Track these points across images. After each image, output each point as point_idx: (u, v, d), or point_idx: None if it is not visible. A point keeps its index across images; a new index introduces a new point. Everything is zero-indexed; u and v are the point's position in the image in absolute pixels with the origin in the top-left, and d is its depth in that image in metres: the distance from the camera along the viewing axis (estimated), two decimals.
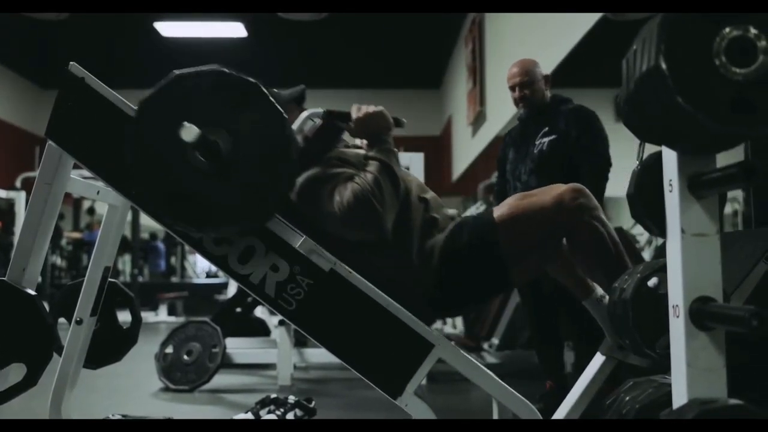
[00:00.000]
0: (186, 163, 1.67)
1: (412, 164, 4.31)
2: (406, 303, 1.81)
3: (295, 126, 1.98)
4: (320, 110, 2.02)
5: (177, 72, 1.71)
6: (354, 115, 2.00)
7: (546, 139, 3.27)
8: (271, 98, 1.69)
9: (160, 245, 13.42)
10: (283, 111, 1.69)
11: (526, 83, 3.34)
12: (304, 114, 2.03)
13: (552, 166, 3.23)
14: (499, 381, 1.82)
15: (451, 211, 2.10)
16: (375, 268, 1.89)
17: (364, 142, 2.08)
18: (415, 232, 1.97)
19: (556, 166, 3.22)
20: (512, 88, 3.40)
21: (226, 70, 1.71)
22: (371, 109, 2.00)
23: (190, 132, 1.61)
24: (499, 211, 1.96)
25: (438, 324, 6.41)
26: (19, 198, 8.24)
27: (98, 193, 2.25)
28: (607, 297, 1.86)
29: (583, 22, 4.85)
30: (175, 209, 1.71)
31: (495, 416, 2.16)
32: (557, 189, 1.93)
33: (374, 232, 1.88)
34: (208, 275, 14.30)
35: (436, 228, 2.00)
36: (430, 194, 2.09)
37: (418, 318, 1.79)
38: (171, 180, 1.69)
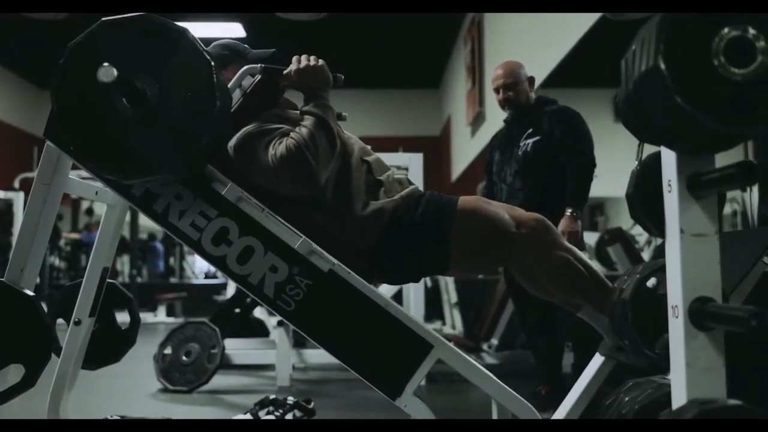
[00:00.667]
0: (111, 109, 1.66)
1: (411, 164, 4.30)
2: (345, 260, 1.81)
3: (232, 81, 1.98)
4: (257, 66, 2.02)
5: (105, 18, 1.70)
6: (294, 66, 2.00)
7: (530, 141, 3.28)
8: (199, 45, 1.68)
9: (159, 246, 13.43)
10: (210, 59, 1.68)
11: (509, 85, 3.36)
12: (242, 69, 2.02)
13: (536, 167, 3.25)
14: (499, 381, 1.82)
15: (399, 175, 2.11)
16: (316, 225, 1.91)
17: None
18: (357, 191, 1.98)
19: (541, 167, 3.25)
20: (496, 90, 3.42)
21: (155, 17, 1.70)
22: (312, 61, 2.00)
23: (108, 73, 1.58)
24: (465, 202, 1.99)
25: (437, 324, 6.43)
26: (18, 198, 8.25)
27: (96, 193, 2.25)
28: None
29: (582, 22, 4.85)
30: (101, 156, 1.69)
31: (494, 417, 2.16)
32: (524, 217, 1.97)
33: (307, 187, 1.88)
34: (207, 276, 14.30)
35: (380, 190, 2.01)
36: (372, 157, 2.10)
37: (359, 275, 1.79)
38: (97, 126, 1.68)
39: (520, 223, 1.95)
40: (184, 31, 1.69)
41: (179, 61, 1.68)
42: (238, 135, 1.92)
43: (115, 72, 1.59)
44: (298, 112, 2.04)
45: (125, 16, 1.71)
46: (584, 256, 2.01)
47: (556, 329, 3.31)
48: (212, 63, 1.68)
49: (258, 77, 2.04)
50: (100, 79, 1.58)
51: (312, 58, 2.02)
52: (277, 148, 1.85)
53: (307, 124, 1.91)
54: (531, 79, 3.44)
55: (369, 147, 2.15)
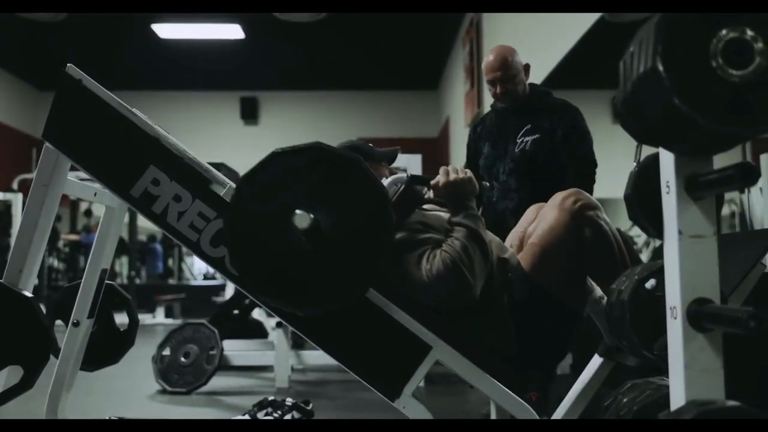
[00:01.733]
0: (287, 243, 1.63)
1: (410, 166, 4.31)
2: (491, 367, 1.80)
3: None
4: (404, 176, 2.02)
5: (275, 150, 1.66)
6: (442, 179, 1.99)
7: (529, 138, 3.12)
8: (370, 174, 1.65)
9: (158, 247, 13.42)
10: (383, 189, 1.66)
11: (507, 78, 3.11)
12: (388, 180, 2.02)
13: (534, 167, 3.10)
14: (497, 382, 1.82)
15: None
16: (459, 332, 1.88)
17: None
18: (497, 293, 1.97)
19: (538, 167, 3.10)
20: (492, 83, 3.16)
21: (325, 146, 1.65)
22: (460, 174, 1.99)
23: (303, 219, 1.59)
24: (524, 260, 1.98)
25: None
26: (17, 200, 8.24)
27: (95, 194, 2.25)
28: (606, 298, 1.87)
29: (581, 23, 4.86)
30: (273, 288, 1.66)
31: (493, 418, 2.16)
32: (555, 201, 1.96)
33: (463, 301, 1.87)
34: (206, 277, 14.30)
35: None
36: (508, 253, 2.08)
37: (506, 385, 1.79)
38: (270, 259, 1.65)
39: (564, 200, 1.95)
40: (357, 161, 1.65)
41: (352, 190, 1.64)
42: None
43: (310, 218, 1.59)
44: (437, 213, 2.05)
45: (296, 146, 1.66)
46: (618, 235, 2.00)
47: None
48: (385, 192, 1.66)
49: (402, 187, 2.03)
50: (296, 225, 1.59)
51: (459, 169, 2.01)
52: (432, 263, 1.84)
53: (459, 237, 1.89)
54: (526, 67, 3.21)
55: (502, 243, 2.14)
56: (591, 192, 3.05)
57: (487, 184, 2.09)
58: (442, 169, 2.01)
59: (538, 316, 1.96)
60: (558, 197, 1.98)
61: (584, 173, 3.09)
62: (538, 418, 1.82)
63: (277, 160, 1.64)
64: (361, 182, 1.64)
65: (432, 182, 2.02)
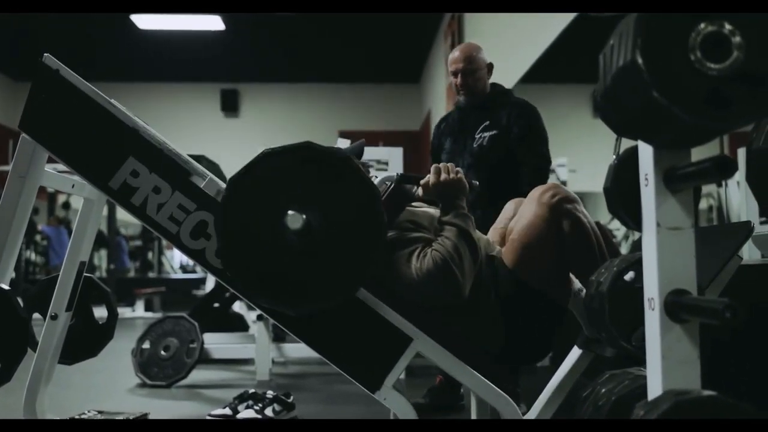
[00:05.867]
0: (279, 243, 1.64)
1: (391, 159, 4.30)
2: (479, 364, 1.82)
3: None
4: (394, 174, 2.02)
5: (266, 150, 1.66)
6: (432, 178, 1.99)
7: (487, 134, 3.21)
8: (360, 172, 1.66)
9: (123, 241, 13.16)
10: (373, 186, 1.67)
11: (469, 71, 3.23)
12: (378, 179, 2.03)
13: (491, 162, 3.20)
14: (478, 375, 1.83)
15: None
16: (448, 330, 1.91)
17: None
18: (485, 291, 1.99)
19: (495, 162, 3.20)
20: (454, 74, 3.28)
21: (315, 145, 1.66)
22: (450, 174, 2.00)
23: (296, 219, 1.59)
24: (507, 256, 1.99)
25: None
26: None
27: (73, 186, 2.23)
28: (585, 290, 1.88)
29: (561, 18, 4.87)
30: (266, 289, 1.67)
31: (473, 410, 2.17)
32: (534, 195, 1.97)
33: (453, 299, 1.87)
34: (185, 270, 14.22)
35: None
36: (496, 250, 2.09)
37: (492, 381, 1.81)
38: (262, 259, 1.66)
39: (543, 194, 1.96)
40: (347, 159, 1.66)
41: (343, 188, 1.65)
42: None
43: (302, 218, 1.58)
44: (426, 210, 2.05)
45: (287, 146, 1.67)
46: (596, 229, 2.02)
47: None
48: (376, 191, 1.67)
49: (393, 185, 2.03)
50: (288, 225, 1.59)
51: (450, 169, 2.01)
52: (423, 261, 1.84)
53: (449, 236, 1.89)
54: (490, 66, 3.32)
55: (489, 240, 2.16)
56: None
57: (477, 183, 2.10)
58: (433, 168, 2.01)
59: (524, 312, 1.97)
60: (536, 192, 1.99)
61: (538, 170, 3.20)
62: (519, 410, 1.83)
63: (267, 160, 1.64)
64: (352, 180, 1.65)
65: (422, 181, 2.02)
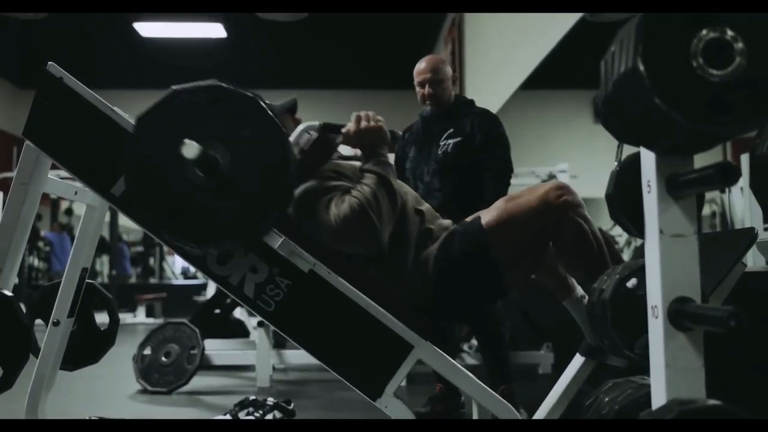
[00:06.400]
0: (185, 179, 1.64)
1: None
2: (402, 314, 1.80)
3: (291, 138, 1.97)
4: (316, 123, 2.01)
5: (175, 87, 1.69)
6: (353, 126, 1.98)
7: (451, 141, 3.29)
8: (270, 112, 1.67)
9: (124, 247, 13.19)
10: (282, 125, 1.68)
11: (435, 81, 3.34)
12: (301, 127, 2.01)
13: (455, 168, 3.27)
14: (479, 382, 1.82)
15: (446, 222, 2.10)
16: (371, 280, 1.89)
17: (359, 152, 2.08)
18: (411, 244, 1.98)
19: (460, 168, 3.27)
20: (421, 84, 3.38)
21: (224, 85, 1.68)
22: (371, 122, 1.99)
23: (191, 149, 1.59)
24: (486, 216, 1.97)
25: None
26: None
27: (76, 193, 2.23)
28: (587, 297, 1.87)
29: (562, 23, 4.88)
30: (174, 226, 1.68)
31: (474, 418, 2.16)
32: (542, 188, 1.95)
33: (371, 246, 1.88)
34: (186, 276, 14.20)
35: (430, 239, 2.01)
36: (425, 206, 2.09)
37: (413, 329, 1.78)
38: (170, 197, 1.67)
39: (548, 192, 1.91)
40: (255, 98, 1.67)
41: (251, 128, 1.67)
42: (297, 192, 1.91)
43: (198, 147, 1.58)
44: (353, 163, 2.04)
45: (195, 84, 1.69)
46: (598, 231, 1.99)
47: (489, 327, 3.33)
48: (285, 130, 1.68)
49: (315, 135, 2.03)
50: (183, 155, 1.58)
51: (371, 116, 2.00)
52: (340, 207, 1.84)
53: (368, 183, 1.89)
54: (454, 78, 3.46)
55: (419, 196, 2.15)
56: (505, 193, 3.18)
57: (399, 133, 2.09)
58: (353, 116, 2.00)
59: (470, 270, 1.95)
60: (544, 186, 1.96)
61: (501, 175, 3.27)
62: (520, 418, 1.83)
63: (176, 98, 1.67)
64: (260, 120, 1.67)
65: (343, 130, 2.02)
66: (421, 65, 3.41)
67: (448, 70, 3.42)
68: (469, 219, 2.03)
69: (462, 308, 2.03)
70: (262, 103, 1.67)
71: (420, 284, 1.95)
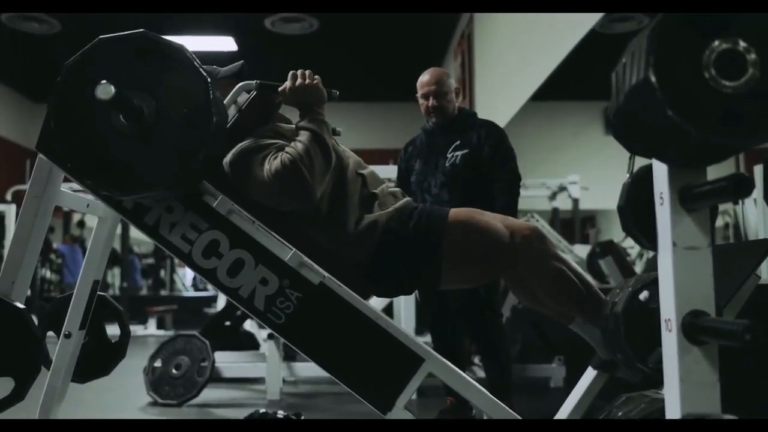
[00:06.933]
0: (108, 125, 1.66)
1: None
2: (340, 275, 1.80)
3: (228, 98, 1.99)
4: (252, 82, 2.02)
5: (102, 36, 1.71)
6: (289, 83, 2.00)
7: (459, 153, 3.30)
8: (195, 62, 1.69)
9: (135, 259, 13.23)
10: (207, 75, 1.69)
11: (439, 93, 3.36)
12: (238, 85, 2.03)
13: (464, 180, 3.28)
14: (490, 395, 1.81)
15: (394, 189, 2.11)
16: (311, 240, 1.91)
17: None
18: (352, 205, 1.99)
19: (468, 180, 3.28)
20: (425, 97, 3.40)
21: (151, 34, 1.71)
22: (307, 79, 2.01)
23: (106, 90, 1.59)
24: (456, 214, 1.99)
25: (428, 337, 6.40)
26: (10, 211, 8.23)
27: (88, 206, 2.24)
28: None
29: (572, 34, 4.87)
30: (97, 173, 1.69)
31: None
32: (517, 227, 1.97)
33: (303, 202, 1.88)
34: (196, 288, 14.22)
35: (374, 203, 2.02)
36: (367, 170, 2.10)
37: (353, 290, 1.79)
38: (94, 143, 1.68)
39: (514, 233, 1.96)
40: (181, 49, 1.70)
41: (176, 78, 1.68)
42: (233, 151, 1.92)
43: (113, 89, 1.59)
44: (293, 126, 2.04)
45: (122, 33, 1.72)
46: (578, 267, 2.01)
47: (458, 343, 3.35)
48: (208, 79, 1.69)
49: (253, 93, 2.04)
50: (98, 96, 1.59)
51: (308, 74, 2.02)
52: (272, 163, 1.85)
53: (302, 139, 1.91)
54: (457, 90, 3.48)
55: (362, 161, 2.16)
56: (516, 204, 3.30)
57: (336, 92, 2.09)
58: (290, 74, 2.02)
59: (414, 251, 1.96)
60: (520, 226, 2.00)
61: (510, 187, 3.30)
62: None
63: (102, 47, 1.70)
64: (185, 70, 1.68)
65: (280, 88, 2.02)
66: (425, 77, 3.43)
67: (452, 82, 3.44)
68: (438, 207, 2.06)
69: (391, 282, 2.03)
70: (188, 53, 1.69)
71: (360, 247, 1.96)
